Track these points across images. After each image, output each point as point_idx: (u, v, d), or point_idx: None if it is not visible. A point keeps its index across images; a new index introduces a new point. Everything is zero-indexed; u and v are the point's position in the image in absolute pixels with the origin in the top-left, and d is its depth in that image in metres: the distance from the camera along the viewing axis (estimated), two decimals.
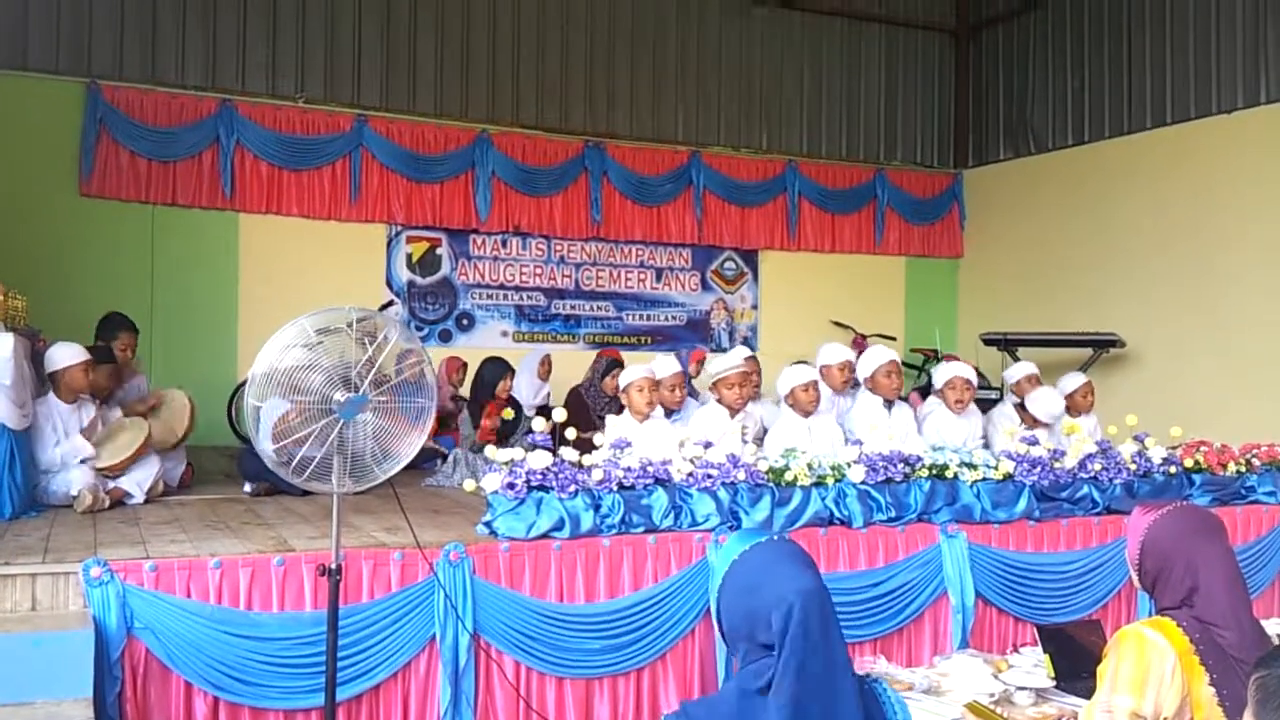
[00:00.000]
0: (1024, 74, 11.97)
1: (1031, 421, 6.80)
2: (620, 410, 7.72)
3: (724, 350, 10.32)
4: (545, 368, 9.10)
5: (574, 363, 9.56)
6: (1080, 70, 11.24)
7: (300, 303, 3.54)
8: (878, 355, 6.45)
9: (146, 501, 5.63)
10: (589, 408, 7.74)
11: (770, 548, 2.24)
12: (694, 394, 7.80)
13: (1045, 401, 6.87)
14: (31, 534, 4.57)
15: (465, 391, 8.45)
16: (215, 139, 9.50)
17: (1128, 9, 10.72)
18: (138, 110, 9.27)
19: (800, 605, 2.06)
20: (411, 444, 3.60)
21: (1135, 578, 2.78)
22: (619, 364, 8.02)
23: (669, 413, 6.18)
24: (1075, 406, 7.08)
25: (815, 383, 6.03)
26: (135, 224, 9.29)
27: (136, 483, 5.63)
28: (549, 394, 8.97)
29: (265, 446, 3.54)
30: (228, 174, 9.53)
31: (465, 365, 8.67)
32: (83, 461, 5.52)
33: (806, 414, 5.95)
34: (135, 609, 3.73)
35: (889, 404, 6.36)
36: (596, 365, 8.17)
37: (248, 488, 6.02)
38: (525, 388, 8.63)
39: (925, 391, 8.40)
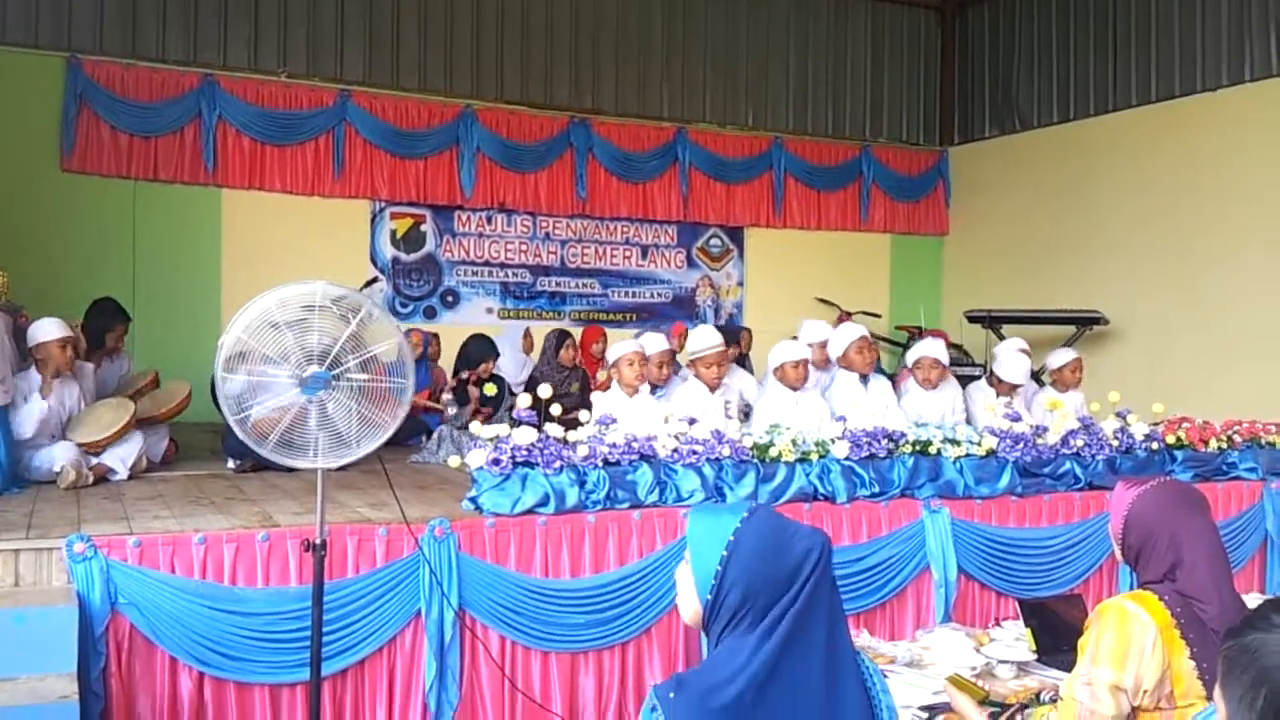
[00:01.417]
0: (1009, 51, 11.97)
1: (1006, 389, 6.87)
2: (584, 382, 7.76)
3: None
4: (528, 342, 9.11)
5: None
6: (1065, 48, 11.25)
7: (284, 279, 3.50)
8: (848, 332, 6.52)
9: (130, 478, 5.61)
10: (550, 386, 7.71)
11: (770, 512, 2.24)
12: (677, 369, 7.81)
13: (1011, 364, 6.95)
14: (14, 510, 4.55)
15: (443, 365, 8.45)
16: (197, 114, 9.44)
17: None
18: (119, 85, 9.19)
19: (819, 552, 2.07)
20: (386, 422, 3.56)
21: (1118, 552, 2.79)
22: (567, 335, 8.00)
23: (654, 389, 6.20)
24: (1063, 382, 7.12)
25: (806, 361, 6.09)
26: (117, 200, 9.24)
27: (120, 459, 5.61)
28: (532, 367, 8.98)
29: (232, 418, 3.50)
30: (210, 149, 9.47)
31: (436, 337, 8.63)
32: (65, 438, 5.50)
33: (794, 389, 6.00)
34: (119, 584, 3.73)
35: (864, 379, 6.41)
36: (547, 343, 8.10)
37: (232, 464, 6.01)
38: (510, 364, 8.63)
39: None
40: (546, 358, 7.92)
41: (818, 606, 2.05)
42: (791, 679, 2.02)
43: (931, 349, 6.77)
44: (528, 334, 9.21)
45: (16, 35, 8.92)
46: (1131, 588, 2.81)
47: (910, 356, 6.84)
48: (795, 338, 6.82)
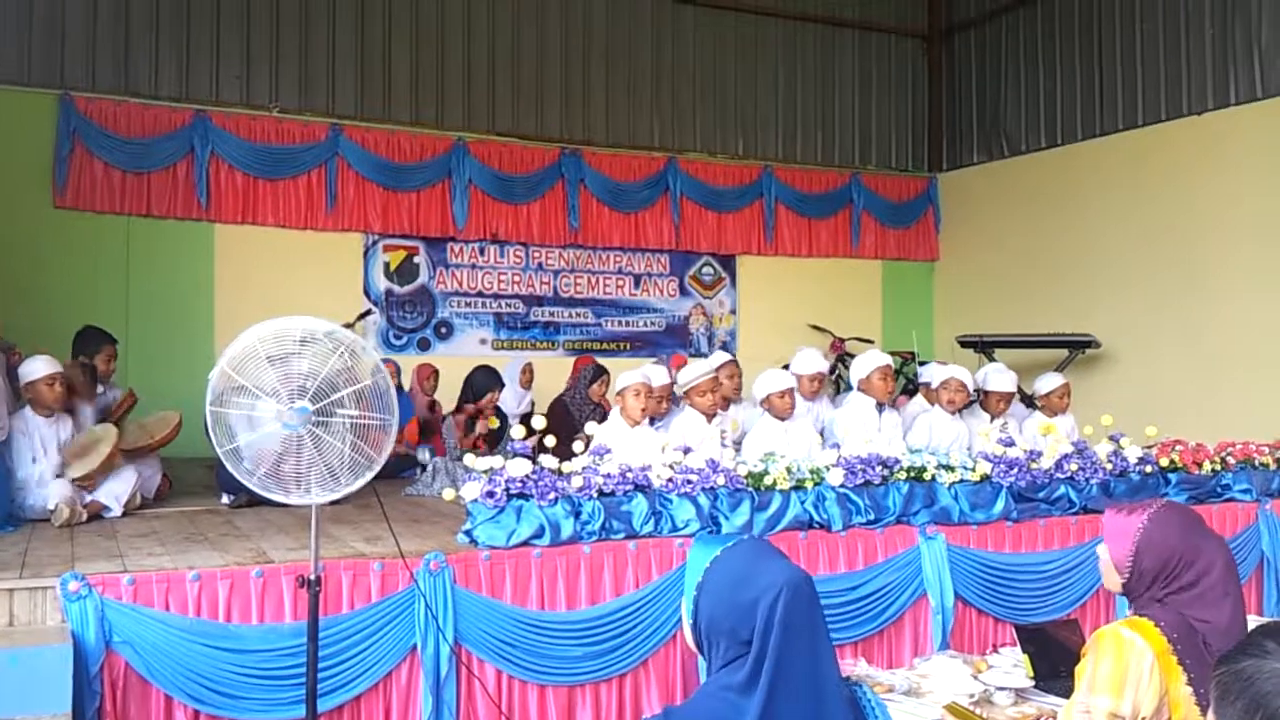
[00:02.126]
0: (996, 77, 12.06)
1: (998, 407, 6.89)
2: (603, 419, 7.73)
3: (704, 355, 10.35)
4: (527, 376, 9.10)
5: (553, 370, 9.57)
6: (1052, 73, 11.34)
7: (278, 312, 3.51)
8: (873, 359, 6.49)
9: (124, 514, 5.58)
10: (574, 417, 7.71)
11: (751, 544, 2.26)
12: (676, 400, 7.81)
13: (998, 377, 7.03)
14: (8, 549, 4.53)
15: (439, 397, 8.44)
16: (190, 149, 9.48)
17: (1098, 12, 10.82)
18: (111, 121, 9.23)
19: (788, 591, 2.07)
20: (372, 458, 3.55)
21: (1119, 580, 2.76)
22: (604, 371, 8.02)
23: (652, 420, 6.21)
24: (1051, 407, 7.13)
25: (791, 390, 6.09)
26: (110, 236, 9.26)
27: (114, 496, 5.59)
28: (532, 402, 8.96)
29: (220, 451, 3.50)
30: (203, 184, 9.50)
31: (437, 372, 8.66)
32: (58, 476, 5.48)
33: (782, 419, 6.01)
34: (114, 623, 3.71)
35: (880, 406, 6.40)
36: (580, 373, 8.14)
37: (226, 499, 5.99)
38: (509, 397, 8.63)
39: (906, 393, 8.46)
40: (579, 388, 7.92)
41: (794, 649, 2.06)
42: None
43: (959, 372, 6.77)
44: (528, 368, 9.20)
45: (9, 72, 8.96)
46: (1127, 614, 2.80)
47: (936, 378, 6.83)
48: (786, 366, 6.83)
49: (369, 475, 3.55)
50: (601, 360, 9.23)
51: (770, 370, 6.36)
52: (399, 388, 8.01)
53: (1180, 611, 2.59)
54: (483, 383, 7.53)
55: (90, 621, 3.68)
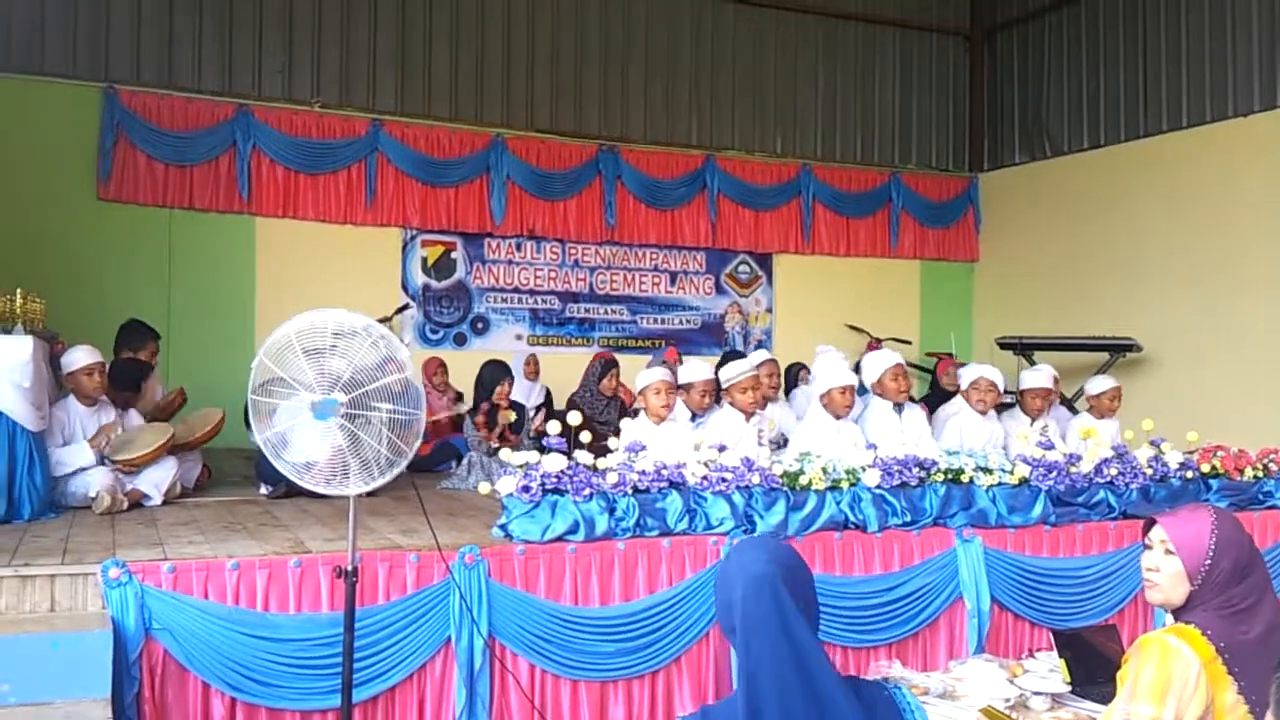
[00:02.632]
0: (1039, 77, 11.95)
1: (1036, 408, 6.82)
2: (621, 411, 7.73)
3: (739, 354, 10.31)
4: (530, 367, 9.13)
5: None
6: (1095, 73, 11.22)
7: (316, 305, 3.55)
8: (882, 359, 6.38)
9: (164, 503, 5.65)
10: (586, 415, 7.67)
11: (749, 542, 2.33)
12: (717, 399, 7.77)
13: (1034, 376, 7.01)
14: (50, 535, 4.59)
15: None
16: (232, 143, 9.58)
17: (1142, 12, 10.69)
18: (155, 115, 9.34)
19: (747, 586, 2.15)
20: (401, 452, 3.58)
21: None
22: (614, 364, 7.99)
23: (694, 416, 6.18)
24: (1100, 409, 7.04)
25: (853, 388, 5.95)
26: (152, 228, 9.37)
27: (154, 484, 5.65)
28: (545, 391, 8.99)
29: (260, 437, 3.56)
30: (244, 178, 9.60)
31: (444, 364, 8.69)
32: (103, 461, 5.54)
33: (838, 417, 5.90)
34: (153, 610, 3.75)
35: (899, 407, 6.33)
36: (590, 369, 8.11)
37: (264, 489, 6.05)
38: (518, 390, 8.65)
39: (938, 397, 8.38)
40: (588, 384, 7.90)
41: (760, 641, 2.09)
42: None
43: (989, 371, 6.69)
44: (531, 360, 9.24)
45: (55, 66, 9.09)
46: (1166, 620, 2.76)
47: (966, 378, 6.75)
48: (857, 367, 6.71)
49: (397, 469, 3.58)
50: (636, 358, 9.23)
51: (834, 364, 6.26)
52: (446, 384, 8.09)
53: (1226, 619, 2.54)
54: (491, 376, 7.51)
55: (130, 608, 3.72)
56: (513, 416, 7.46)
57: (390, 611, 4.05)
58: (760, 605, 2.10)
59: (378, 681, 4.01)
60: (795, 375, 8.60)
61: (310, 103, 9.97)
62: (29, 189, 8.87)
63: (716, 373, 6.37)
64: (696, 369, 6.35)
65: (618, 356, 8.13)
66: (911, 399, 6.77)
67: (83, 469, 5.49)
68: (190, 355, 9.00)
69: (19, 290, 5.34)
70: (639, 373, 5.99)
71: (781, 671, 2.07)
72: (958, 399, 6.84)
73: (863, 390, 6.54)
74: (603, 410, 7.55)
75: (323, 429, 3.48)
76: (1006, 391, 9.86)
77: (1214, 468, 5.95)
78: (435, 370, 8.67)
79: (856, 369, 6.87)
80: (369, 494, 4.93)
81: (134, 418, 6.15)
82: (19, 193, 8.79)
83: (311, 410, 3.46)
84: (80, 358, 5.72)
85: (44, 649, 3.49)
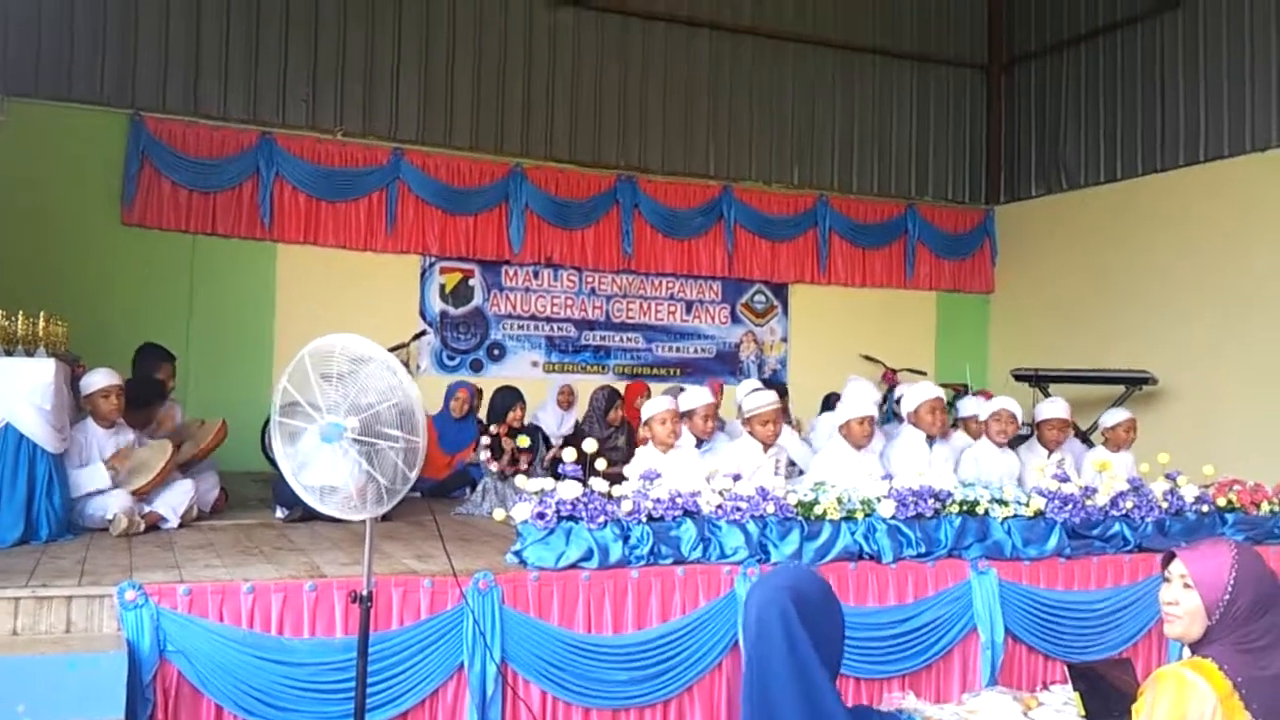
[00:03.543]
0: (1055, 111, 11.98)
1: (1054, 440, 6.81)
2: (630, 438, 7.75)
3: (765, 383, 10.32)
4: (565, 396, 9.14)
5: None
6: (1112, 107, 11.24)
7: (336, 332, 3.58)
8: (922, 391, 6.39)
9: (181, 526, 5.68)
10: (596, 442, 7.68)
11: (780, 568, 2.34)
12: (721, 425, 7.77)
13: (1050, 406, 7.01)
14: (67, 557, 4.63)
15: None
16: (255, 170, 9.69)
17: (1160, 45, 10.72)
18: (180, 141, 9.46)
19: (757, 609, 2.17)
20: (406, 478, 3.60)
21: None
22: (618, 395, 8.02)
23: (699, 443, 6.19)
24: (1116, 441, 7.02)
25: (872, 419, 5.94)
26: (175, 253, 9.47)
27: (171, 507, 5.69)
28: (577, 422, 8.99)
29: (286, 465, 3.58)
30: (267, 205, 9.70)
31: (472, 390, 8.66)
32: (115, 488, 5.57)
33: (859, 447, 5.90)
34: (168, 632, 3.78)
35: (930, 440, 6.33)
36: (596, 400, 8.11)
37: (281, 513, 6.08)
38: (550, 419, 8.67)
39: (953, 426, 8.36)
40: (595, 416, 7.93)
41: (761, 675, 2.11)
42: None
43: (1009, 403, 6.69)
44: (566, 390, 9.21)
45: (82, 92, 9.23)
46: (1181, 654, 2.75)
47: (986, 409, 6.75)
48: (896, 398, 6.73)
49: (399, 496, 3.60)
50: (653, 385, 9.25)
51: (858, 394, 6.27)
52: (472, 411, 8.09)
53: (1245, 654, 2.53)
54: (502, 403, 7.51)
55: (145, 630, 3.75)
56: (525, 441, 7.46)
57: (404, 637, 4.06)
58: (767, 625, 2.12)
59: (390, 707, 4.01)
60: (828, 403, 8.56)
61: (333, 131, 10.08)
62: (55, 213, 8.98)
63: (739, 400, 6.38)
64: (697, 395, 6.36)
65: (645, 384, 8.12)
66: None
67: (100, 490, 5.53)
68: (210, 380, 9.07)
69: (42, 313, 5.41)
70: (644, 403, 6.00)
71: (785, 693, 2.08)
72: (960, 432, 6.85)
73: (886, 420, 6.54)
74: (608, 440, 7.57)
75: (337, 452, 3.51)
76: (1024, 424, 9.87)
77: (1230, 502, 5.92)
78: (466, 399, 8.62)
79: (883, 401, 6.87)
80: (384, 519, 4.95)
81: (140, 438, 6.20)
82: (45, 216, 8.90)
83: (319, 434, 3.49)
84: (98, 380, 5.77)
85: (59, 670, 3.51)
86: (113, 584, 3.87)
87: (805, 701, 2.10)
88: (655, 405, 5.75)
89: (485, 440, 7.22)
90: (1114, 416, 7.16)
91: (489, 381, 9.27)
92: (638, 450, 5.70)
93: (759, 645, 2.15)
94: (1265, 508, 5.98)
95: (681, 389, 7.34)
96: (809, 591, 2.25)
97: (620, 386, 8.96)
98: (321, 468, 3.57)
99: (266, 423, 8.77)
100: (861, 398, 6.11)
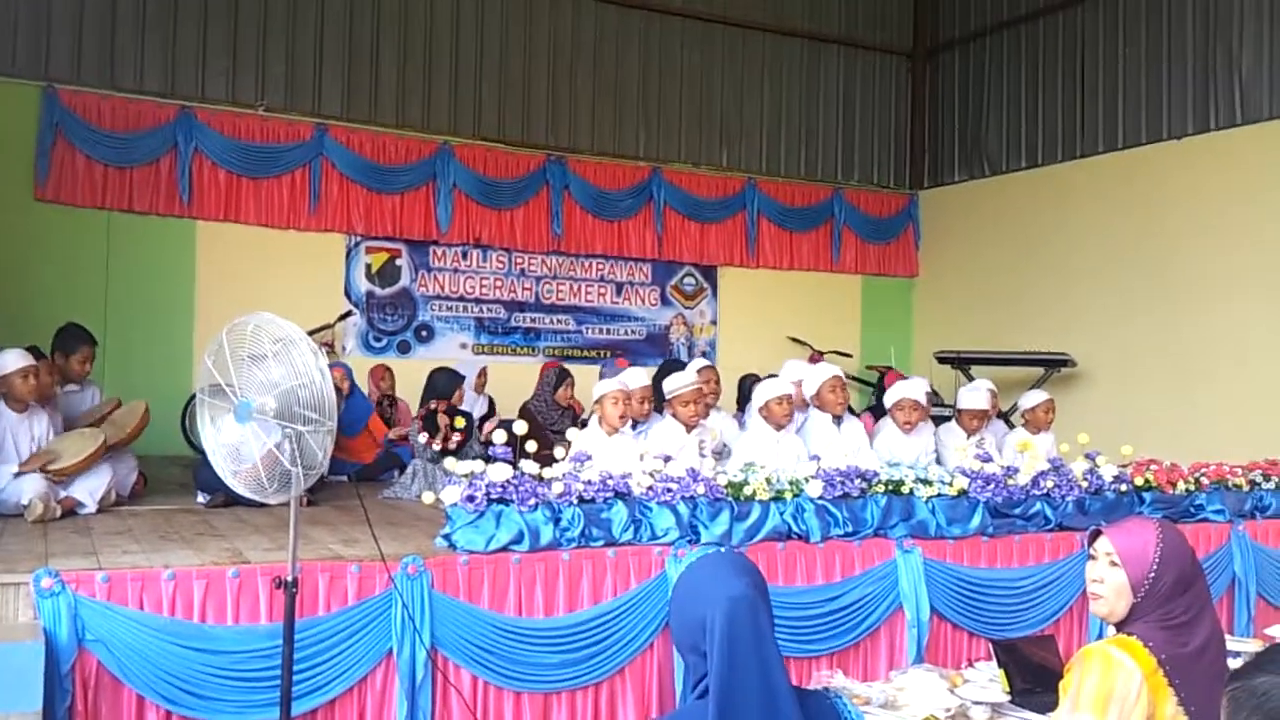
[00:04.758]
0: (979, 97, 12.16)
1: (975, 425, 6.94)
2: (574, 421, 7.73)
3: (679, 363, 10.34)
4: (481, 379, 9.14)
5: (533, 376, 9.54)
6: (1034, 94, 11.44)
7: (257, 311, 3.50)
8: (821, 372, 6.54)
9: (98, 511, 5.54)
10: (540, 423, 7.69)
11: (712, 558, 2.31)
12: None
13: (970, 395, 7.14)
14: None
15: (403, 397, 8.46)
16: (174, 145, 9.43)
17: (1080, 35, 10.93)
18: (95, 115, 9.18)
19: (729, 608, 2.12)
20: (314, 461, 3.55)
21: (1128, 603, 2.64)
22: (568, 375, 8.00)
23: (634, 424, 6.20)
24: (1035, 423, 7.18)
25: (789, 398, 6.06)
26: (91, 230, 9.19)
27: (88, 492, 5.54)
28: (488, 403, 8.97)
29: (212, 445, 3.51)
30: (185, 181, 9.46)
31: (390, 371, 8.69)
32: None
33: (779, 427, 5.97)
34: (87, 620, 3.67)
35: (837, 420, 6.42)
36: (545, 378, 8.11)
37: (202, 498, 5.95)
38: (465, 401, 8.62)
39: (879, 410, 8.48)
40: (544, 394, 7.89)
41: (739, 663, 2.10)
42: None
43: (912, 391, 6.79)
44: (482, 372, 9.26)
45: None
46: (1103, 632, 2.80)
47: (889, 398, 6.87)
48: (775, 375, 6.82)
49: (311, 479, 3.55)
50: (582, 368, 9.23)
51: (770, 378, 6.34)
52: (354, 390, 7.97)
53: (1167, 631, 2.59)
54: (445, 383, 7.49)
55: (63, 619, 3.63)
56: (461, 423, 7.42)
57: (331, 623, 4.00)
58: (742, 629, 2.10)
59: (318, 694, 3.95)
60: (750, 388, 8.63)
61: (254, 106, 9.85)
62: None
63: (656, 382, 6.41)
64: (635, 376, 6.37)
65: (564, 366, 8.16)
66: (851, 411, 6.85)
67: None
68: (128, 358, 8.84)
69: None
70: (595, 383, 6.00)
71: (750, 689, 2.08)
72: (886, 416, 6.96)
73: (881, 412, 6.64)
74: (556, 420, 7.54)
75: (248, 432, 3.44)
76: (945, 404, 10.05)
77: (1147, 481, 6.07)
78: (382, 377, 8.61)
79: None
80: (309, 503, 4.87)
81: (56, 405, 6.04)
82: None
83: (232, 414, 3.43)
84: (12, 361, 5.59)
85: None
86: (28, 571, 3.74)
87: (766, 691, 2.11)
88: (607, 385, 5.76)
89: (420, 414, 7.17)
90: (1033, 398, 7.32)
91: (417, 364, 9.23)
92: (573, 431, 5.68)
93: (734, 643, 2.13)
94: (1181, 487, 6.15)
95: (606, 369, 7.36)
96: (759, 579, 2.25)
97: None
98: (235, 446, 3.50)
99: (188, 405, 8.60)
100: (779, 378, 6.20)
